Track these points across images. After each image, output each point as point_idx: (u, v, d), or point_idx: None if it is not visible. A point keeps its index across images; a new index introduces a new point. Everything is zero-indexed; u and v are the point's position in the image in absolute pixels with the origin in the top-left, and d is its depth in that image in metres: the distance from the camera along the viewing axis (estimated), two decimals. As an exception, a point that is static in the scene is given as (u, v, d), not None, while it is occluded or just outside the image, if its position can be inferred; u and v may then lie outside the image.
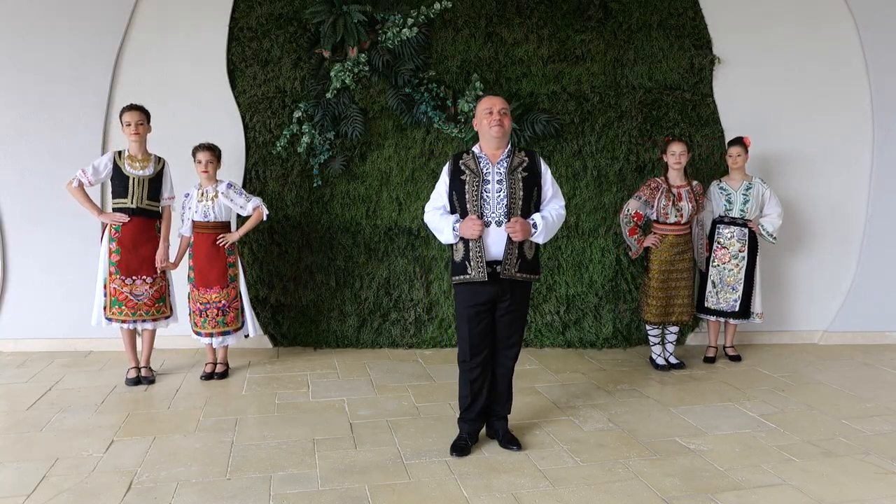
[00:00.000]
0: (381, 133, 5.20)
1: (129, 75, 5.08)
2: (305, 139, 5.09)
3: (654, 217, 4.67)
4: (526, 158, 3.31)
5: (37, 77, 5.00)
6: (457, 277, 3.30)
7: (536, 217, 3.27)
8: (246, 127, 5.16)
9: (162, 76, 5.10)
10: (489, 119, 3.25)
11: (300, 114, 5.10)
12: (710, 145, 5.36)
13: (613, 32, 5.26)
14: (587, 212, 5.29)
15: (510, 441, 3.42)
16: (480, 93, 5.07)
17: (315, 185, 5.18)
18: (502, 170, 3.27)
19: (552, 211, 3.34)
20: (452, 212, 3.33)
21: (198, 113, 5.11)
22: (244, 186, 5.16)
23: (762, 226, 4.92)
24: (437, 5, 5.06)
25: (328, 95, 5.08)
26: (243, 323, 4.62)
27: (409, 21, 5.04)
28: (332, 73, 5.06)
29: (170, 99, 5.09)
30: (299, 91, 5.15)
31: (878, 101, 5.42)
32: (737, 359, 5.04)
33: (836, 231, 5.53)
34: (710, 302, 4.94)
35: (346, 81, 5.07)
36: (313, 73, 5.14)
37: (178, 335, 4.88)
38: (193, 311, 4.54)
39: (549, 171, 3.38)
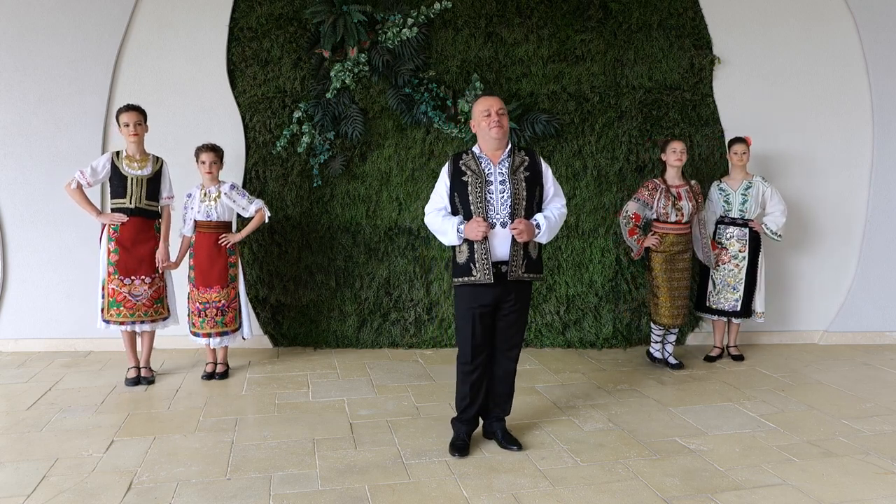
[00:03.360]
0: (381, 133, 5.20)
1: (129, 75, 5.08)
2: (305, 139, 5.09)
3: (653, 217, 4.67)
4: (526, 158, 3.30)
5: (37, 77, 5.00)
6: (460, 279, 3.27)
7: (539, 217, 3.26)
8: (246, 127, 5.16)
9: (162, 76, 5.10)
10: (488, 121, 3.23)
11: (300, 114, 5.10)
12: (710, 145, 5.36)
13: (613, 32, 5.25)
14: (587, 212, 5.29)
15: (510, 441, 3.42)
16: (480, 93, 5.07)
17: (315, 185, 5.18)
18: (504, 170, 3.25)
19: (554, 210, 3.33)
20: (454, 213, 3.30)
21: (198, 113, 5.11)
22: (244, 186, 5.16)
23: (765, 224, 4.90)
24: (437, 5, 5.06)
25: (328, 95, 5.08)
26: (241, 324, 4.61)
27: (409, 21, 5.04)
28: (332, 73, 5.06)
29: (170, 99, 5.10)
30: (299, 91, 5.15)
31: (878, 101, 5.42)
32: (739, 358, 5.04)
33: (836, 231, 5.54)
34: (711, 301, 4.94)
35: (346, 81, 5.07)
36: (313, 73, 5.14)
37: (179, 335, 4.86)
38: (192, 312, 4.52)
39: (549, 170, 3.38)
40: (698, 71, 5.34)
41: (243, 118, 5.15)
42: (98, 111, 5.04)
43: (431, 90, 5.12)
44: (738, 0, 5.34)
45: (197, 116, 5.11)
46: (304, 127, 5.10)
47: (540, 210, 3.32)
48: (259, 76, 5.13)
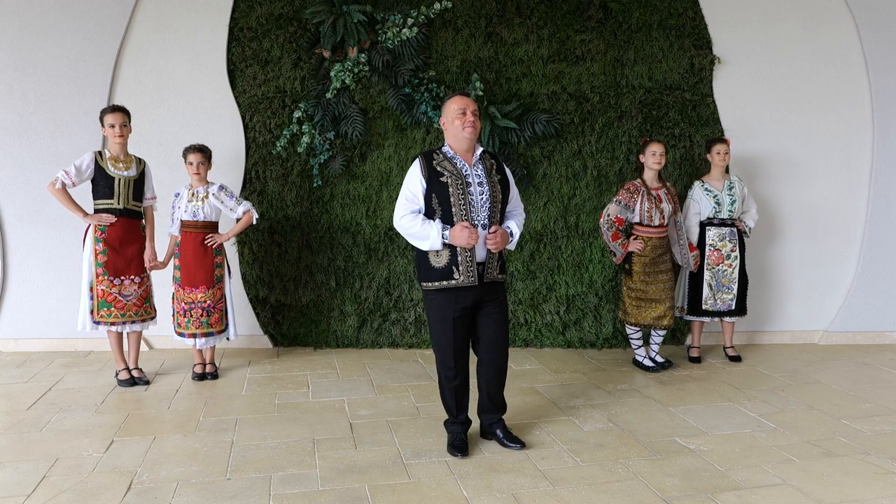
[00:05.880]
0: (381, 133, 5.20)
1: (129, 75, 5.09)
2: (305, 139, 5.09)
3: (635, 220, 4.62)
4: (494, 161, 3.33)
5: (37, 77, 5.00)
6: (439, 283, 3.22)
7: (512, 225, 3.34)
8: (246, 127, 5.16)
9: (162, 76, 5.10)
10: (462, 120, 3.19)
11: (300, 114, 5.10)
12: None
13: (613, 32, 5.25)
14: (587, 212, 5.29)
15: (512, 440, 3.41)
16: (480, 92, 5.07)
17: (315, 185, 5.18)
18: (480, 172, 3.24)
19: (519, 218, 3.42)
20: (429, 214, 3.23)
21: (198, 113, 5.12)
22: (244, 186, 5.16)
23: (744, 222, 5.00)
24: (437, 5, 5.06)
25: (328, 95, 5.08)
26: (227, 325, 4.58)
27: (409, 21, 5.04)
28: (332, 73, 5.06)
29: (170, 99, 5.10)
30: (299, 91, 5.15)
31: (878, 101, 5.42)
32: (737, 359, 5.02)
33: (836, 231, 5.54)
34: (709, 304, 4.92)
35: (346, 81, 5.07)
36: (313, 73, 5.14)
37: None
38: (178, 312, 4.49)
39: (511, 176, 3.42)
40: (698, 71, 5.34)
41: (243, 118, 5.15)
42: (98, 111, 5.01)
43: (431, 90, 5.12)
44: (738, 0, 5.34)
45: (197, 116, 5.11)
46: (304, 127, 5.10)
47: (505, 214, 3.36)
48: (259, 76, 5.13)
